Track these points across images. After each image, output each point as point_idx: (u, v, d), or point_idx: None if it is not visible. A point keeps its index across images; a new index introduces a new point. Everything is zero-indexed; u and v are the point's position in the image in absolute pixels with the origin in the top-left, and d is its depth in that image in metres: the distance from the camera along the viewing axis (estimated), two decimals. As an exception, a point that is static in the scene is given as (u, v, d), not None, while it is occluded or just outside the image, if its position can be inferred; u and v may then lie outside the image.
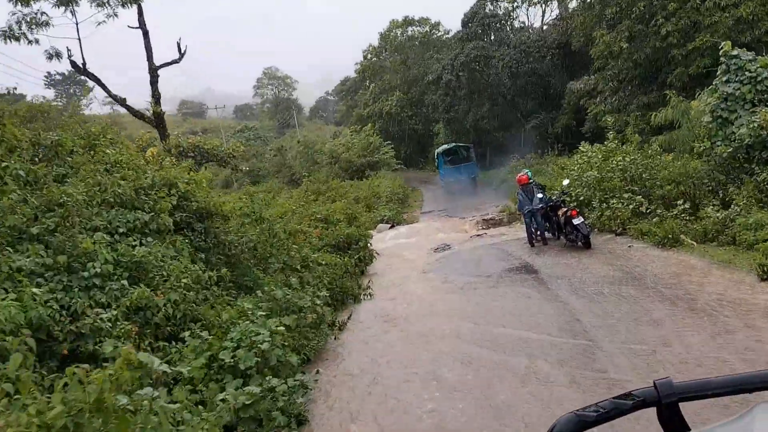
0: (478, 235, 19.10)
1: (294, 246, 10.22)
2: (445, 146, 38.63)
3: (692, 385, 1.10)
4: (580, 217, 12.91)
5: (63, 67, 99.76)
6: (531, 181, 15.15)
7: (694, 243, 11.25)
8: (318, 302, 8.40)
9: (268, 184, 46.40)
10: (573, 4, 36.19)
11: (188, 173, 9.20)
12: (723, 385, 1.11)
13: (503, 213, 23.14)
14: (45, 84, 79.52)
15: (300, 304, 7.86)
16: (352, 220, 18.06)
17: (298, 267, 10.15)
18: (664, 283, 8.98)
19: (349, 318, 9.82)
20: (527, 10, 43.73)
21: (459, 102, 42.88)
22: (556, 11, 42.83)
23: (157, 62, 19.32)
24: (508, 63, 38.98)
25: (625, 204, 14.18)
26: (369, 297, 11.53)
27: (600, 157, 15.98)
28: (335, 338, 8.88)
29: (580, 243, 12.99)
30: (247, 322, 6.60)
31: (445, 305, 10.09)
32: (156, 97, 18.77)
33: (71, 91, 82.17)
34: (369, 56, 52.96)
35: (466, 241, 18.48)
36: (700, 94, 14.99)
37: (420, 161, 52.54)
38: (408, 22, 51.40)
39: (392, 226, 24.46)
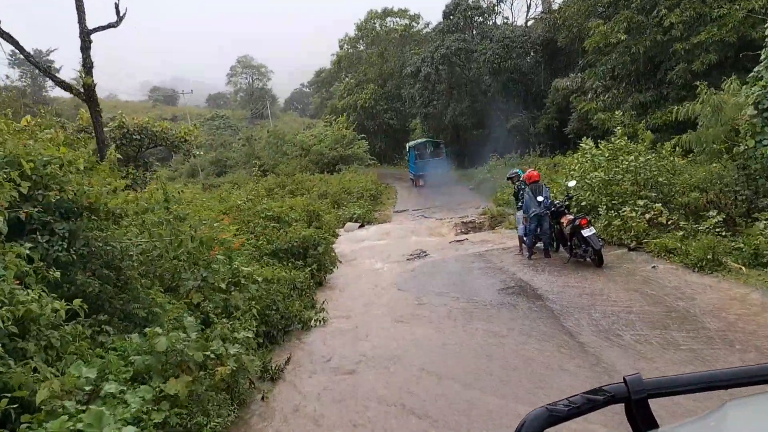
0: (459, 241, 16.28)
1: (219, 256, 7.18)
2: (417, 141, 38.10)
3: (661, 382, 1.08)
4: (592, 227, 10.12)
5: (28, 45, 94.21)
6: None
7: (743, 267, 8.55)
8: (234, 350, 5.41)
9: (234, 175, 43.11)
10: (560, -1, 33.55)
11: (58, 148, 6.11)
12: (692, 382, 1.09)
13: (484, 216, 20.35)
14: (9, 63, 74.51)
15: (196, 358, 4.84)
16: (313, 219, 15.06)
17: (224, 286, 7.14)
18: (733, 330, 6.20)
19: (287, 362, 6.83)
20: (512, 4, 41.09)
21: (438, 97, 40.08)
22: (540, 8, 40.29)
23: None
24: (490, 58, 36.27)
25: (639, 212, 11.48)
26: (321, 323, 8.59)
27: (606, 155, 13.25)
28: (263, 398, 5.90)
29: (589, 259, 10.24)
30: (70, 413, 3.56)
31: (419, 347, 7.16)
32: (87, 65, 15.44)
33: (36, 71, 77.03)
34: (345, 46, 49.76)
35: (444, 247, 15.65)
36: (726, 82, 12.35)
37: (395, 157, 49.66)
38: (387, 12, 48.36)
39: (362, 226, 21.57)
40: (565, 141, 33.91)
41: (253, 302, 7.09)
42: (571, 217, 10.75)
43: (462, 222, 20.07)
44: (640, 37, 21.56)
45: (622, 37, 21.32)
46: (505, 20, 41.23)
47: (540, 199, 11.26)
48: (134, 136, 20.24)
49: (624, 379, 1.06)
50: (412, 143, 37.13)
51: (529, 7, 39.58)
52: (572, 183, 11.98)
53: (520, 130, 37.16)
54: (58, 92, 76.84)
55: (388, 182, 36.43)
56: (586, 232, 9.95)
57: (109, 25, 16.38)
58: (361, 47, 50.51)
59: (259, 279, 7.57)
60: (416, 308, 9.04)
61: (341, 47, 50.03)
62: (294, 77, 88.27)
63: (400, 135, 48.46)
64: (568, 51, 35.45)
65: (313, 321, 8.53)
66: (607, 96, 23.65)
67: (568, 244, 10.62)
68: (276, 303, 7.81)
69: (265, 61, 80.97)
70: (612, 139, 13.55)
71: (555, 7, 36.08)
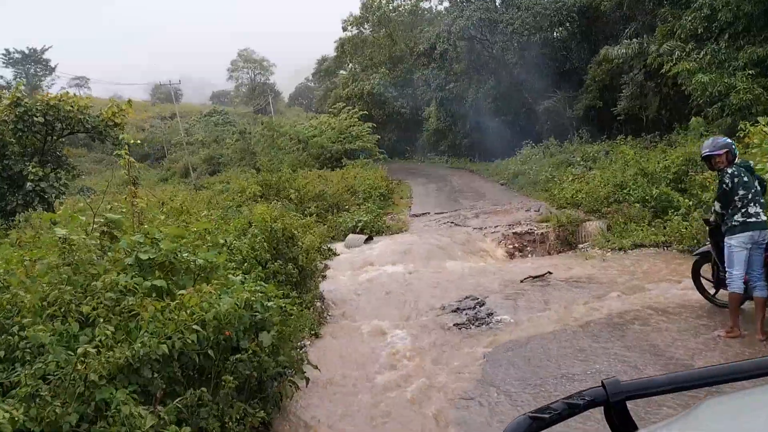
0: (536, 278, 8.95)
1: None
2: None
3: (639, 384, 1.03)
4: None
5: (22, 44, 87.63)
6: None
7: None
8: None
9: (228, 174, 35.93)
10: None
11: None
12: (668, 382, 1.05)
13: (546, 224, 12.91)
14: (3, 62, 67.85)
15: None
16: (281, 247, 7.70)
17: None
18: None
19: None
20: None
21: (456, 78, 32.57)
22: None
23: None
24: (518, 29, 28.81)
25: None
26: None
27: None
28: None
29: None
30: None
31: None
32: None
33: (32, 71, 70.45)
34: (350, 27, 42.37)
35: (513, 288, 8.40)
36: None
37: (406, 150, 42.22)
38: (395, -12, 40.91)
39: (370, 238, 14.26)
40: (610, 124, 26.69)
41: None
42: None
43: (513, 233, 12.71)
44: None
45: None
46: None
47: None
48: (36, 118, 12.98)
49: (602, 382, 1.00)
50: None
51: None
52: None
53: (553, 114, 29.81)
54: (54, 91, 70.09)
55: (400, 178, 29.15)
56: None
57: None
58: (367, 30, 43.03)
59: None
60: None
61: (345, 29, 42.63)
62: (299, 73, 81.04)
63: (412, 125, 41.03)
64: (611, 18, 27.99)
65: None
66: (702, 53, 16.09)
67: None
68: None
69: (269, 56, 73.77)
70: None
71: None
